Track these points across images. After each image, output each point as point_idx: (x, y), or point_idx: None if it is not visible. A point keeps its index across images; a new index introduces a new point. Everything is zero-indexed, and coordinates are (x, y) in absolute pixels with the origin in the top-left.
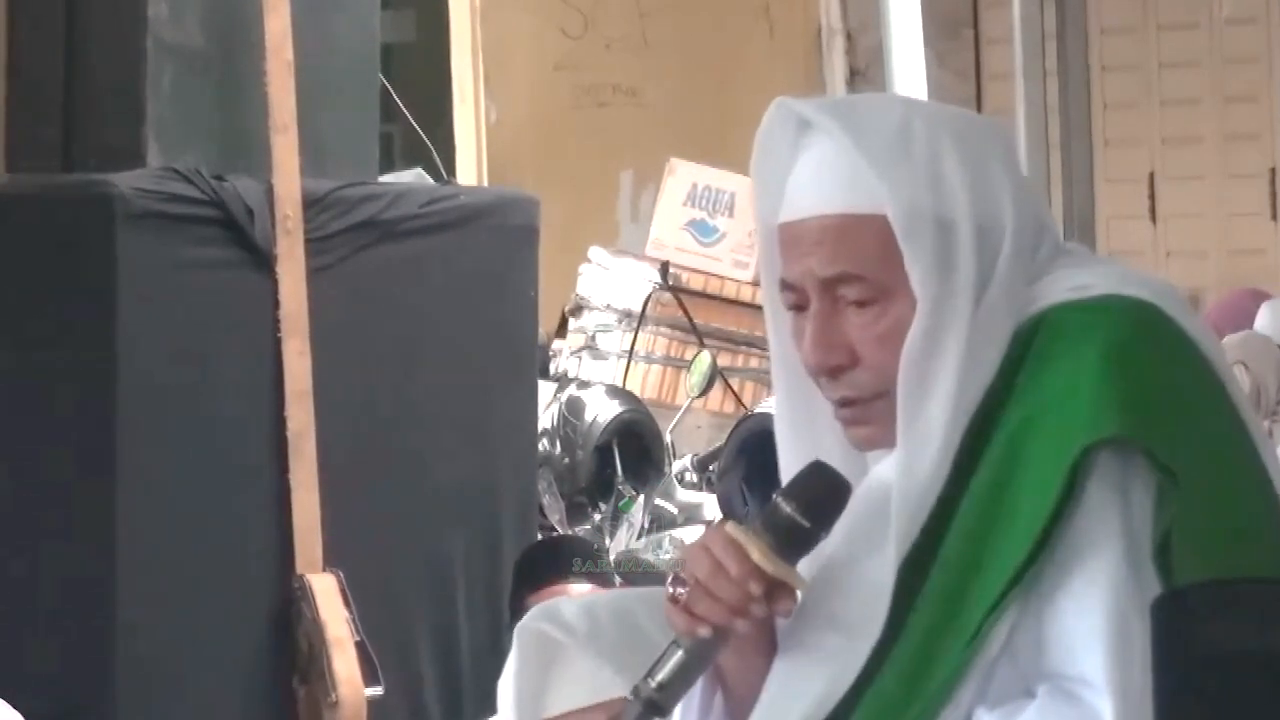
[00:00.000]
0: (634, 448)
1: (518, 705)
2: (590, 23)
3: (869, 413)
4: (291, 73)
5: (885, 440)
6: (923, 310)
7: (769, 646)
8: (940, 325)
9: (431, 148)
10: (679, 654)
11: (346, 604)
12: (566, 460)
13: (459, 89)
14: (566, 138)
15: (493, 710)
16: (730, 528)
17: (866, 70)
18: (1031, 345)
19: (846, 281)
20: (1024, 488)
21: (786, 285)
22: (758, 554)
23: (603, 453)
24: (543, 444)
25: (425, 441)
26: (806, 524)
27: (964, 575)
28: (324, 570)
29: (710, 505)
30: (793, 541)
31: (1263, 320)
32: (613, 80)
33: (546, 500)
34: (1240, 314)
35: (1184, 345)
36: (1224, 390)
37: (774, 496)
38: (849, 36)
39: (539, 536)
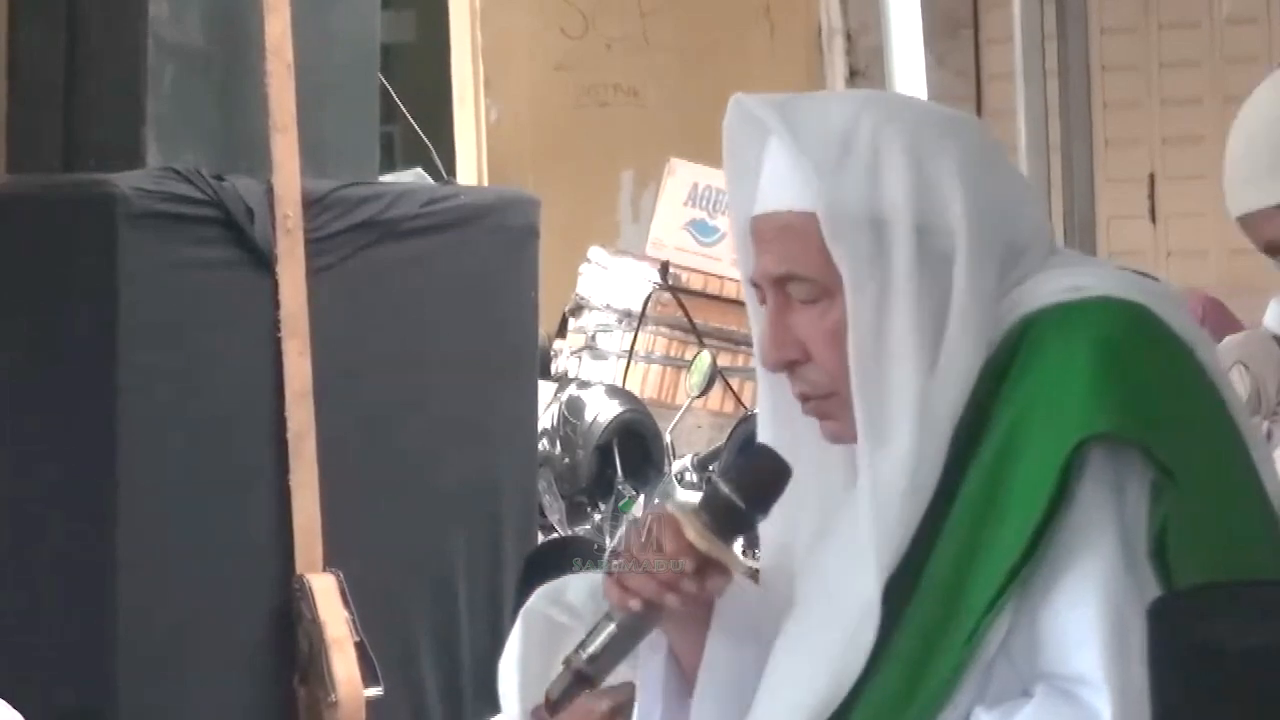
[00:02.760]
0: (634, 447)
1: (521, 689)
2: (590, 23)
3: (827, 408)
4: (291, 73)
5: (852, 435)
6: (853, 307)
7: (705, 623)
8: (880, 323)
9: (431, 148)
10: (610, 627)
11: (346, 604)
12: (566, 460)
13: (459, 89)
14: (566, 138)
15: (495, 709)
16: (670, 505)
17: (867, 70)
18: (1023, 344)
19: (792, 281)
20: (1017, 484)
21: (751, 282)
22: (692, 532)
23: (603, 452)
24: (543, 444)
25: (425, 441)
26: (741, 505)
27: (960, 573)
28: (324, 570)
29: None
30: (728, 522)
31: (1271, 316)
32: (613, 80)
33: (546, 500)
34: None
35: (1176, 346)
36: (1217, 391)
37: (713, 476)
38: (849, 37)
39: (539, 536)
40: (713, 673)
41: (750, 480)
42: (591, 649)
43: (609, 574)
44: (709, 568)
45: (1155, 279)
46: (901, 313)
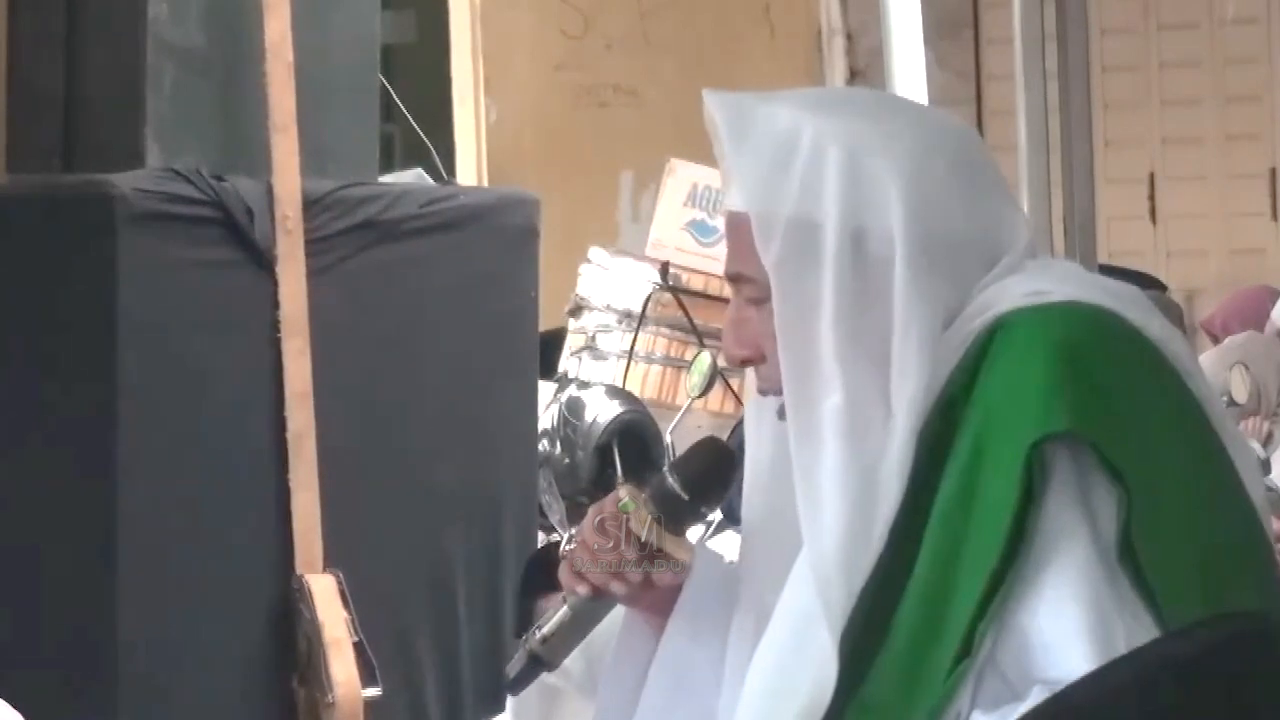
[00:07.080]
0: (634, 448)
1: None
2: (590, 23)
3: (784, 406)
4: (291, 73)
5: None
6: (779, 314)
7: (667, 608)
8: (807, 330)
9: (431, 148)
10: (564, 610)
11: (345, 604)
12: (566, 460)
13: (459, 89)
14: (566, 138)
15: (494, 710)
16: (624, 491)
17: (866, 70)
18: (989, 347)
19: (741, 281)
20: (986, 489)
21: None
22: (636, 521)
23: (603, 453)
24: (543, 444)
25: (425, 441)
26: (685, 496)
27: (942, 579)
28: (324, 570)
29: None
30: (675, 513)
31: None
32: (613, 80)
33: (546, 500)
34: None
35: (1141, 347)
36: (1188, 391)
37: (664, 468)
38: (849, 37)
39: (539, 537)
40: (663, 665)
41: (696, 473)
42: (544, 631)
43: (563, 557)
44: (656, 558)
45: (1155, 279)
46: (829, 320)
